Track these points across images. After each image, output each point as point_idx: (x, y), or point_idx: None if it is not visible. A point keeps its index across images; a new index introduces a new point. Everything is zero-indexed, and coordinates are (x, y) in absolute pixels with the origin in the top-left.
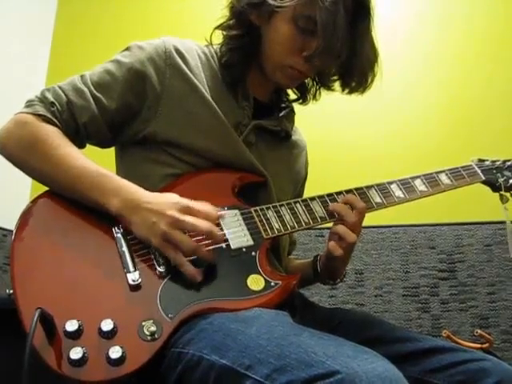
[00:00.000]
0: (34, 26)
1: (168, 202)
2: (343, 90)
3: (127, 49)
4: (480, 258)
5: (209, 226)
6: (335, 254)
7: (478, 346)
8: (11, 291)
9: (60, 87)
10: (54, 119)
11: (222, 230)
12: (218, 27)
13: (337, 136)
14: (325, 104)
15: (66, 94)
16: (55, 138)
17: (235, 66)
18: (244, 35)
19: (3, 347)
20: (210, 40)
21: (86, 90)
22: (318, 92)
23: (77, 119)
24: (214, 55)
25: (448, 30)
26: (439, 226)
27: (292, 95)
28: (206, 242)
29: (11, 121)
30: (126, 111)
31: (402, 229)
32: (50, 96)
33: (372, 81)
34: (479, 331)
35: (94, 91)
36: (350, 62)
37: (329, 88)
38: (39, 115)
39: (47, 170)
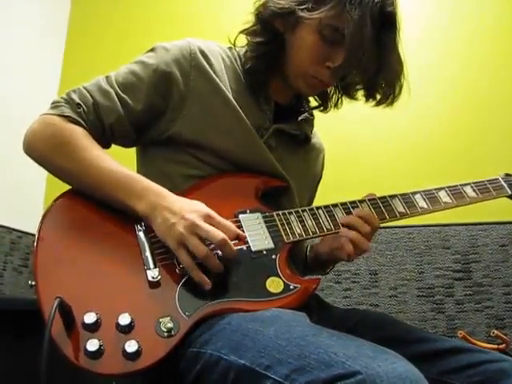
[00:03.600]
0: (48, 26)
1: (190, 207)
2: (367, 101)
3: (152, 50)
4: (495, 258)
5: (223, 236)
6: (342, 256)
7: (495, 346)
8: (33, 282)
9: (85, 88)
10: (81, 120)
11: (245, 241)
12: (242, 32)
13: (347, 135)
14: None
15: (91, 95)
16: (82, 139)
17: (259, 72)
18: (268, 42)
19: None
20: (234, 43)
21: (111, 91)
22: (339, 100)
23: (103, 120)
24: (237, 58)
25: (457, 29)
26: (454, 226)
27: (313, 102)
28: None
29: (38, 122)
30: (151, 112)
31: (416, 229)
32: (75, 97)
33: (399, 93)
34: (496, 332)
35: (120, 92)
36: (376, 74)
37: (351, 97)
38: (66, 116)
39: (74, 170)
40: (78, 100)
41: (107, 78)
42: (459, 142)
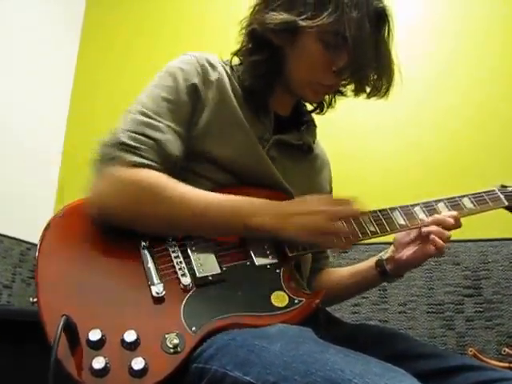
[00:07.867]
0: (62, 26)
1: (310, 201)
2: (356, 96)
3: (167, 73)
4: (506, 274)
5: (351, 207)
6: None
7: (506, 365)
8: (35, 299)
9: (130, 130)
10: (146, 161)
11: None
12: (235, 54)
13: (354, 149)
14: (342, 116)
15: (145, 135)
16: (159, 180)
17: (259, 92)
18: (267, 59)
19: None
20: (231, 62)
21: (156, 123)
22: (333, 99)
23: (168, 154)
24: (234, 71)
25: (468, 32)
26: (464, 242)
27: (309, 106)
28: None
29: (102, 181)
30: (189, 130)
31: None
32: (129, 141)
33: (389, 87)
34: (507, 349)
35: (165, 121)
36: (374, 70)
37: (342, 93)
38: (131, 163)
39: (166, 213)
40: (132, 143)
41: (142, 113)
42: (470, 154)
